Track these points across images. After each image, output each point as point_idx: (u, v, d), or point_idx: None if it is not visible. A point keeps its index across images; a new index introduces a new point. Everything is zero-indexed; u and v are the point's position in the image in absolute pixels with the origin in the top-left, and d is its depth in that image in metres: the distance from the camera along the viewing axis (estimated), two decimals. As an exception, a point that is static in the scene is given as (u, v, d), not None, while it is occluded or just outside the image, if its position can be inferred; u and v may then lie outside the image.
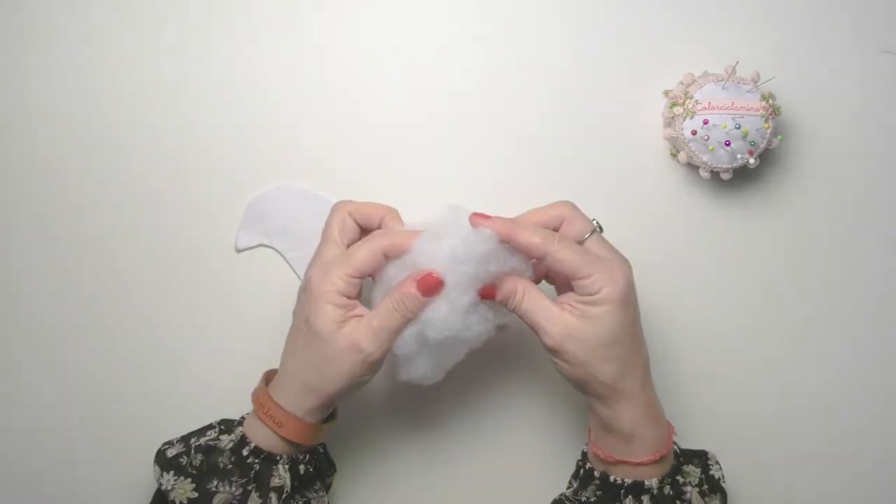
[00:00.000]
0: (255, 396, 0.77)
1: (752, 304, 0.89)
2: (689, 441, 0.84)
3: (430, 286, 0.74)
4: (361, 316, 0.75)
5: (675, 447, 0.79)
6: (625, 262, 0.76)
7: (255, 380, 0.80)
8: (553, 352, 0.75)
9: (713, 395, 0.89)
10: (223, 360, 0.87)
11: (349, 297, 0.74)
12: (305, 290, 0.75)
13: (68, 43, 0.87)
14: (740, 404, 0.89)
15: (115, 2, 0.87)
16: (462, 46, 0.88)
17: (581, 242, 0.76)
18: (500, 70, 0.88)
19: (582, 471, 0.79)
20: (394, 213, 0.78)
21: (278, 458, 0.76)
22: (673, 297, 0.88)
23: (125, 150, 0.88)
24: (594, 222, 0.78)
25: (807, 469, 0.89)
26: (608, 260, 0.75)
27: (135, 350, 0.88)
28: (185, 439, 0.78)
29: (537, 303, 0.75)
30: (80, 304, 0.88)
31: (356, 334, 0.74)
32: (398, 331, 0.74)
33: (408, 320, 0.74)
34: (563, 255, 0.74)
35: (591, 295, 0.74)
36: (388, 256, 0.75)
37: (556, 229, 0.77)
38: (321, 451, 0.81)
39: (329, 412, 0.78)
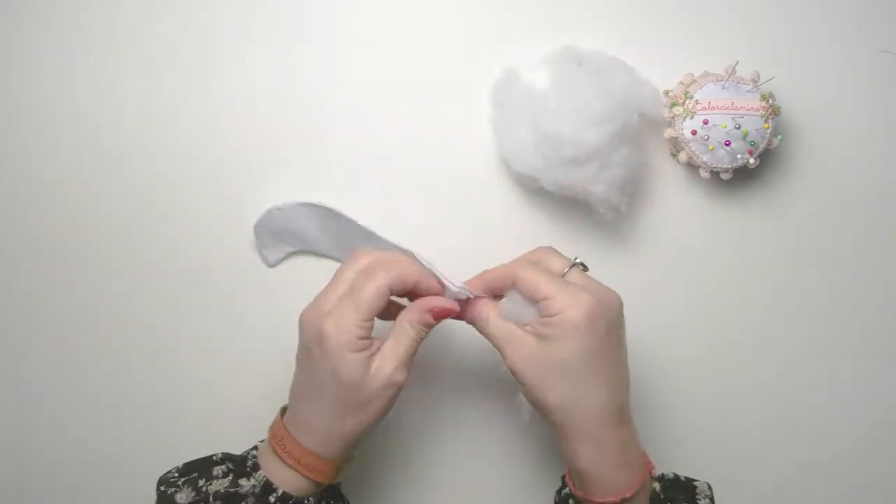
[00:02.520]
0: (283, 445, 0.74)
1: (753, 304, 0.89)
2: (689, 454, 0.84)
3: (446, 314, 0.75)
4: (378, 348, 0.73)
5: (655, 485, 0.76)
6: (603, 295, 0.73)
7: (261, 390, 0.80)
8: (512, 373, 0.74)
9: (712, 397, 0.89)
10: (227, 369, 0.88)
11: (367, 339, 0.73)
12: (321, 344, 0.72)
13: (85, 48, 0.87)
14: (740, 406, 0.89)
15: (143, 6, 0.87)
16: (470, 45, 0.88)
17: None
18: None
19: (563, 492, 0.78)
20: (429, 277, 0.75)
21: (306, 501, 0.74)
22: (672, 297, 0.88)
23: (130, 160, 0.88)
24: (576, 260, 0.76)
25: (806, 470, 0.90)
26: (578, 287, 0.73)
27: (137, 356, 0.88)
28: (191, 482, 0.74)
29: (502, 325, 0.74)
30: (79, 303, 0.88)
31: (386, 368, 0.73)
32: (417, 348, 0.75)
33: (424, 337, 0.75)
34: (528, 275, 0.73)
35: (550, 316, 0.72)
36: (393, 292, 0.74)
37: None
38: (338, 485, 0.80)
39: None
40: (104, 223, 0.87)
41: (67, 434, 0.88)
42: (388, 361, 0.73)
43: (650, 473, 0.76)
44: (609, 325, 0.73)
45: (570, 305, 0.71)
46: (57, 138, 0.87)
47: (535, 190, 0.85)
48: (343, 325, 0.72)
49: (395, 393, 0.73)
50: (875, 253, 0.89)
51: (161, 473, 0.75)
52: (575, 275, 0.75)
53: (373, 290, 0.72)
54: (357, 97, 0.87)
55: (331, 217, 0.83)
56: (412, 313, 0.74)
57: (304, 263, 0.87)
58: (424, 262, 0.75)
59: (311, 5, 0.87)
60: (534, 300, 0.73)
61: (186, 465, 0.76)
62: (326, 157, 0.87)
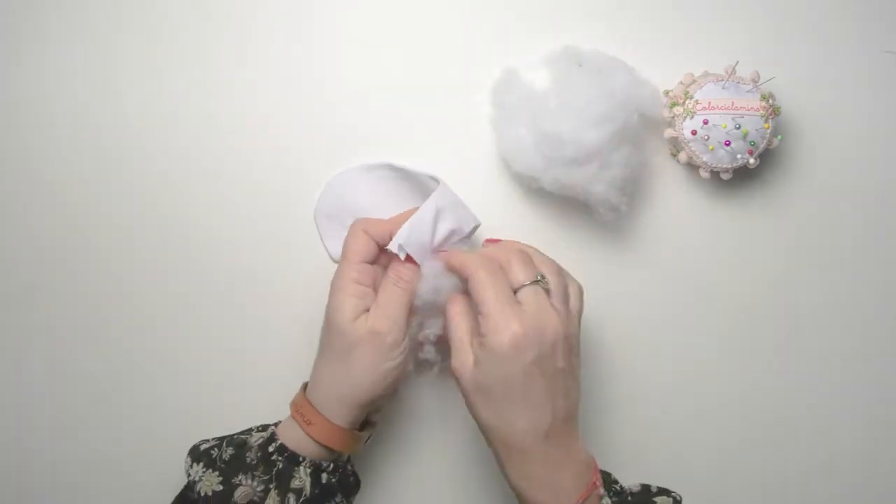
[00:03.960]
0: (297, 407, 0.78)
1: (752, 305, 0.89)
2: (688, 453, 0.84)
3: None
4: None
5: (605, 501, 0.73)
6: (538, 324, 0.71)
7: (261, 389, 0.82)
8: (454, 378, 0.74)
9: (711, 397, 0.89)
10: (227, 368, 0.88)
11: (365, 285, 0.77)
12: (330, 299, 0.77)
13: (85, 48, 0.87)
14: (740, 405, 0.89)
15: (144, 6, 0.87)
16: (470, 45, 0.88)
17: (515, 291, 0.73)
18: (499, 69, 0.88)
19: None
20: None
21: (301, 459, 0.76)
22: (672, 297, 0.88)
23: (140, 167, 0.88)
24: (540, 277, 0.74)
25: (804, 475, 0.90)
26: (515, 312, 0.71)
27: (137, 356, 0.88)
28: (222, 437, 0.79)
29: (461, 326, 0.75)
30: (79, 303, 0.88)
31: (370, 321, 0.75)
32: (406, 305, 0.76)
33: (410, 293, 0.76)
34: (481, 281, 0.73)
35: (482, 336, 0.72)
36: (370, 234, 0.77)
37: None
38: (349, 466, 0.80)
39: (362, 418, 0.77)
40: (104, 223, 0.87)
41: (67, 434, 0.88)
42: (372, 311, 0.76)
43: (595, 492, 0.73)
44: (539, 355, 0.71)
45: (497, 331, 0.71)
46: (57, 138, 0.87)
47: (535, 190, 0.85)
48: (340, 271, 0.77)
49: (380, 345, 0.75)
50: (875, 253, 0.89)
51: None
52: (526, 294, 0.73)
53: (352, 235, 0.78)
54: (357, 97, 0.87)
55: (392, 178, 0.83)
56: (390, 268, 0.78)
57: (304, 263, 0.87)
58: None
59: (311, 5, 0.87)
60: (476, 306, 0.73)
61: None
62: (326, 157, 0.87)
